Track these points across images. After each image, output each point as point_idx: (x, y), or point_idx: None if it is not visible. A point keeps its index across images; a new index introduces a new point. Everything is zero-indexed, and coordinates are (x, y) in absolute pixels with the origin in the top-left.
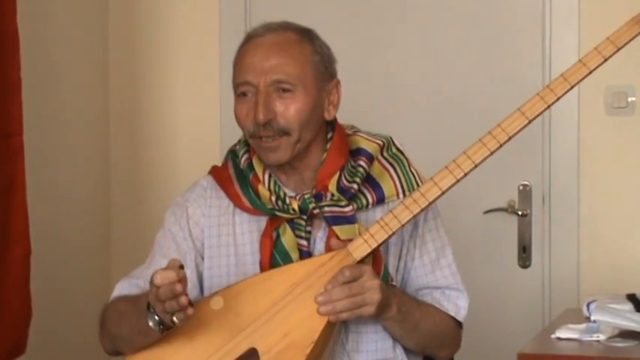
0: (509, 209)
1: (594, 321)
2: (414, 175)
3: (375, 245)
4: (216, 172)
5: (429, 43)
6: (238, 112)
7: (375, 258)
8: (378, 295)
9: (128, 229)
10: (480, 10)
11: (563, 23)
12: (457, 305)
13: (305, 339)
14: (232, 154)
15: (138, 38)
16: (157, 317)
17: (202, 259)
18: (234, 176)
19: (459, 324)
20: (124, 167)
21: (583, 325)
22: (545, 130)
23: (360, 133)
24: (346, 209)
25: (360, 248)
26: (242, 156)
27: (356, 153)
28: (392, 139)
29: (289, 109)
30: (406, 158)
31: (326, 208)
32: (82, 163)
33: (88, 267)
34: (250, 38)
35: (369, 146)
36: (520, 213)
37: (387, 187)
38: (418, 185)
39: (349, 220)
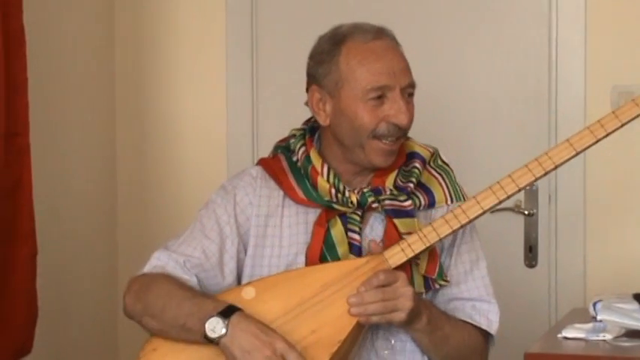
0: (516, 209)
1: (601, 320)
2: (460, 187)
3: (411, 255)
4: (266, 164)
5: (434, 42)
6: (367, 113)
7: (431, 255)
8: (410, 303)
9: (135, 228)
10: (486, 10)
11: (569, 23)
12: (489, 319)
13: (332, 337)
14: (283, 149)
15: (144, 37)
16: (226, 327)
17: (244, 246)
18: (288, 169)
19: (488, 341)
20: (131, 167)
21: (589, 325)
22: (551, 129)
23: (412, 140)
24: (405, 203)
25: (396, 256)
26: (299, 149)
27: (410, 156)
28: (438, 151)
29: (412, 112)
30: (452, 170)
31: (386, 202)
32: (88, 163)
33: (95, 266)
34: (362, 41)
35: (422, 152)
36: (526, 212)
37: (438, 192)
38: (464, 197)
39: (409, 213)
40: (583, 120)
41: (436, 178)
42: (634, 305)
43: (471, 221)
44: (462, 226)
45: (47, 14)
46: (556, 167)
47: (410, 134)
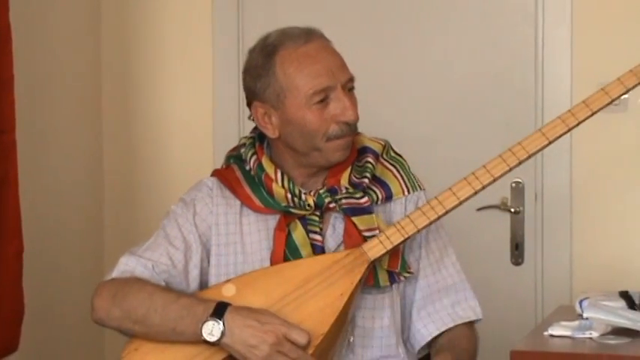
0: (502, 206)
1: (587, 318)
2: (415, 177)
3: (390, 247)
4: (220, 175)
5: (421, 43)
6: (315, 118)
7: (392, 249)
8: None
9: (121, 227)
10: (473, 10)
11: (555, 21)
12: (471, 306)
13: (315, 330)
14: (235, 158)
15: (130, 35)
16: (222, 327)
17: (207, 255)
18: (243, 178)
19: (474, 322)
20: (117, 165)
21: (576, 323)
22: (537, 126)
23: (362, 134)
24: (362, 200)
25: (375, 248)
26: (250, 158)
27: (362, 151)
28: (390, 143)
29: (356, 106)
30: (406, 161)
31: (343, 200)
32: (75, 161)
33: (81, 265)
34: (294, 47)
35: (374, 145)
36: (513, 210)
37: (394, 185)
38: (420, 187)
39: (366, 210)
40: None
41: (390, 171)
42: (620, 303)
43: (447, 212)
44: (438, 217)
45: (33, 12)
46: (529, 156)
47: (399, 130)
